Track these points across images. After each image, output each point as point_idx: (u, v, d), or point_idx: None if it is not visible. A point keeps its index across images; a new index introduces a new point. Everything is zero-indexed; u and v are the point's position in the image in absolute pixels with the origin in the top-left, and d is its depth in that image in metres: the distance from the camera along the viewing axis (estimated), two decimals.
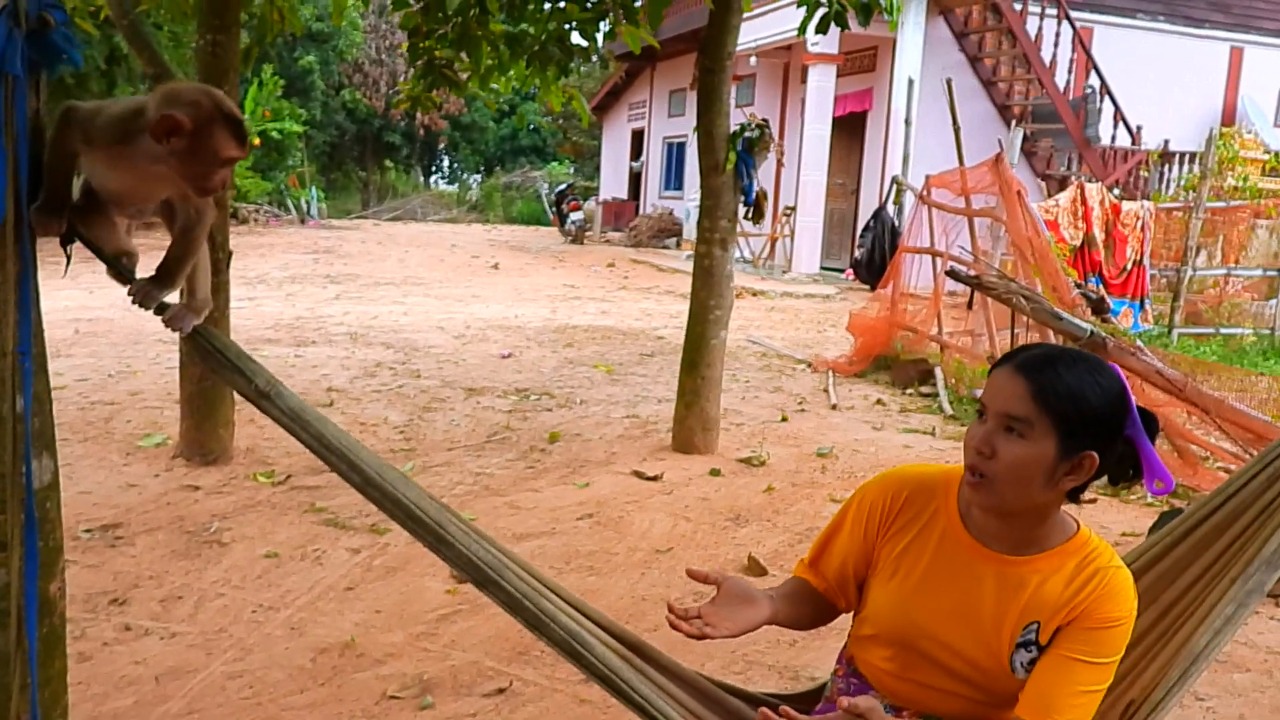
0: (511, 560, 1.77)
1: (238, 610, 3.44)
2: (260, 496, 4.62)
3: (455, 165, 42.12)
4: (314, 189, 24.69)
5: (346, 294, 12.08)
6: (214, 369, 1.68)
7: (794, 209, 16.11)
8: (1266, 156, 13.86)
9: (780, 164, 15.95)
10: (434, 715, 2.83)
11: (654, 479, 5.07)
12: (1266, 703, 3.09)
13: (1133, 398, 1.65)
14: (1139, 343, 3.68)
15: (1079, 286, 6.06)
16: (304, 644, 3.22)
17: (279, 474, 4.89)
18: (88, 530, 4.06)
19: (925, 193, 8.35)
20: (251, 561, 3.87)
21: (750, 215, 5.80)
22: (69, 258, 1.70)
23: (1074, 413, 1.56)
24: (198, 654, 3.13)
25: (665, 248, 20.33)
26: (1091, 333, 3.14)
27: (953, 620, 1.69)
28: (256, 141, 20.85)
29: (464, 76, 6.05)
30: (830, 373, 8.03)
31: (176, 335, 1.76)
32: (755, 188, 5.70)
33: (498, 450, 5.55)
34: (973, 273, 3.76)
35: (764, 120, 5.83)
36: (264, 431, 5.41)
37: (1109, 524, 4.65)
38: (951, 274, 3.76)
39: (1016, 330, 7.80)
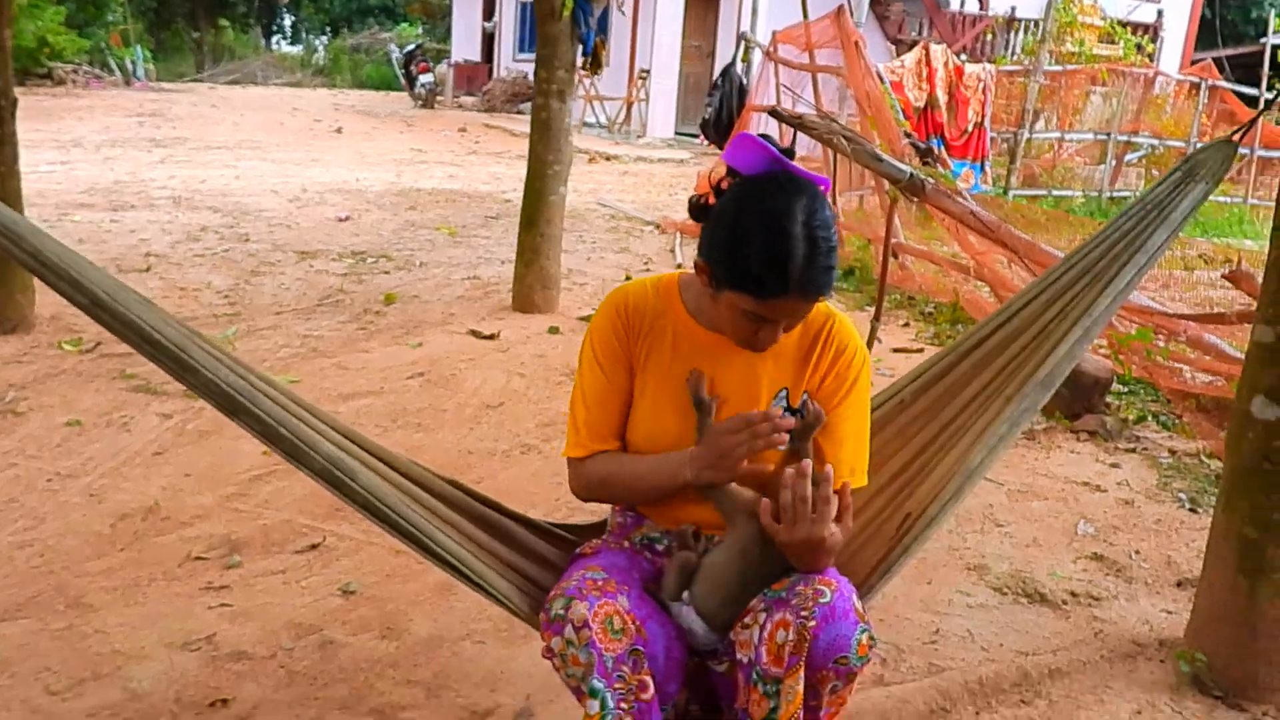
0: (270, 386, 1.65)
1: (31, 479, 3.23)
2: (65, 365, 4.32)
3: (299, 26, 39.69)
4: (139, 48, 22.90)
5: (173, 158, 11.30)
6: None
7: (649, 72, 15.80)
8: (1103, 23, 14.23)
9: (622, 13, 15.41)
10: (241, 574, 2.72)
11: (490, 338, 4.97)
12: (1059, 527, 3.27)
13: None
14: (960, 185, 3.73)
15: (908, 136, 6.13)
16: (103, 510, 3.05)
17: (87, 341, 4.58)
18: None
19: (772, 49, 8.25)
20: (50, 430, 3.63)
21: (588, 65, 5.61)
22: None
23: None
24: None
25: (520, 113, 19.71)
26: (911, 175, 3.13)
27: None
28: None
29: None
30: (678, 234, 8.00)
31: None
32: (594, 36, 5.49)
33: (329, 313, 5.33)
34: (794, 115, 3.72)
35: None
36: None
37: None
38: (774, 114, 3.71)
39: (863, 192, 7.90)
